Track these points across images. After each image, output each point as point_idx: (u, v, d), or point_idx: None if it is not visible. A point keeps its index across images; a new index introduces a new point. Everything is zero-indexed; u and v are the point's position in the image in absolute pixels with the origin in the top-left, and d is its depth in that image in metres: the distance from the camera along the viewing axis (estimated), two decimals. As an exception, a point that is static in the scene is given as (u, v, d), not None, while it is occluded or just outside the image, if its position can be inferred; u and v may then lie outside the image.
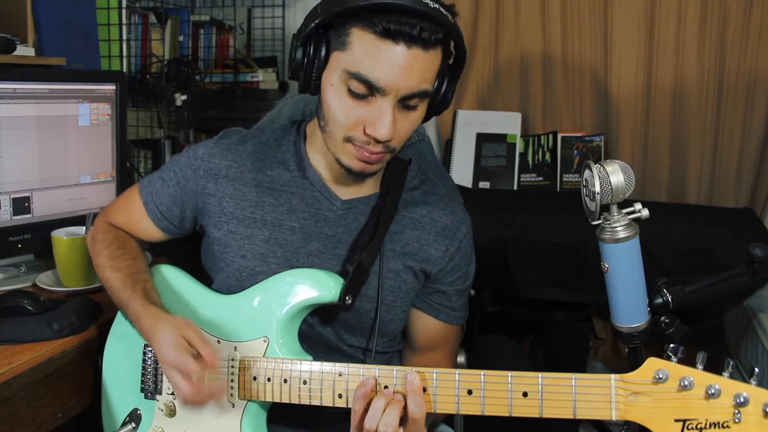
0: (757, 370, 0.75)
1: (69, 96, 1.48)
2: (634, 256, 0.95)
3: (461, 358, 1.33)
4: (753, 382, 0.75)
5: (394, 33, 0.88)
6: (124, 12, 2.05)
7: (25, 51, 1.63)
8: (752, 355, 1.65)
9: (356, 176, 1.01)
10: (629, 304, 0.97)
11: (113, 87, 1.56)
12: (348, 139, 0.96)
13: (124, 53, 2.06)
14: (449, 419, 1.31)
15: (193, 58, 2.38)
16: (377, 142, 0.94)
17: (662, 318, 1.01)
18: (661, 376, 0.78)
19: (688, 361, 0.79)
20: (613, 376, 0.80)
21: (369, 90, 0.91)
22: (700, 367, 0.77)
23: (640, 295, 0.97)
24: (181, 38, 2.34)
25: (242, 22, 2.66)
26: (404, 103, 0.93)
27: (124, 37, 2.06)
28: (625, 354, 1.59)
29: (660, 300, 0.99)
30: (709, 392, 0.75)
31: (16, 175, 1.41)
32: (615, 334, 1.61)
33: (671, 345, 0.80)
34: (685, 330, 1.02)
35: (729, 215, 2.00)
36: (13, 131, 1.39)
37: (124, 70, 2.06)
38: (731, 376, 0.76)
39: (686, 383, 0.77)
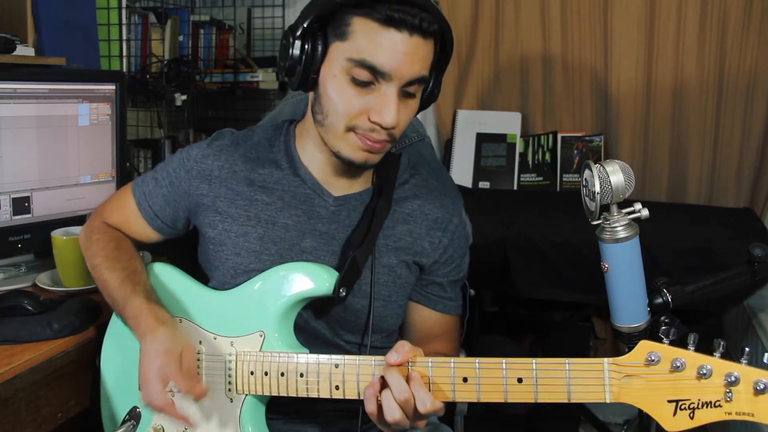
0: (747, 349, 0.77)
1: (69, 96, 1.48)
2: (634, 256, 0.95)
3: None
4: (744, 362, 0.77)
5: (397, 21, 0.90)
6: (124, 12, 2.05)
7: (25, 51, 1.63)
8: (752, 356, 1.64)
9: (357, 168, 1.02)
10: (629, 304, 0.97)
11: (113, 87, 1.56)
12: (351, 128, 0.96)
13: (124, 53, 2.06)
14: (450, 420, 1.31)
15: (193, 58, 2.38)
16: (382, 128, 0.95)
17: (662, 318, 1.00)
18: (653, 358, 0.79)
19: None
20: (606, 359, 0.81)
21: (373, 76, 0.92)
22: (691, 348, 0.79)
23: (640, 295, 0.97)
24: (181, 38, 2.34)
25: (242, 22, 2.65)
26: (405, 90, 0.95)
27: (124, 37, 2.06)
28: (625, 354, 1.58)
29: (660, 300, 0.99)
30: (701, 372, 0.77)
31: (16, 175, 1.41)
32: (615, 334, 1.61)
33: (663, 327, 0.82)
34: (685, 330, 1.01)
35: (729, 215, 2.00)
36: (13, 131, 1.38)
37: (124, 70, 2.06)
38: (722, 356, 0.78)
39: (678, 364, 0.78)
